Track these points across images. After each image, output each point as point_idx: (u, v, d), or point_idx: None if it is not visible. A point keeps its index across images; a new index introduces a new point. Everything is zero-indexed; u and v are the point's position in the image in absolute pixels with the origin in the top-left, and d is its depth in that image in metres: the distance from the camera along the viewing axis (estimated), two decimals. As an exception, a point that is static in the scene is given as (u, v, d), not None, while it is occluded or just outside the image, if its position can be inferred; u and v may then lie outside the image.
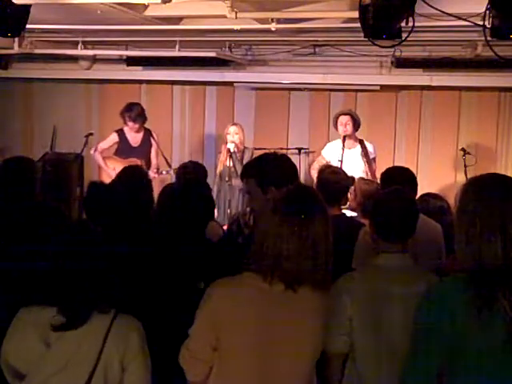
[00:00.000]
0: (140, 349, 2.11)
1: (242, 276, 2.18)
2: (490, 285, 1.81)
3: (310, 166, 6.86)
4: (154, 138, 6.44)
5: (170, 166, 6.33)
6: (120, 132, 6.40)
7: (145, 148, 6.38)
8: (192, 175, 4.39)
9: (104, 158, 6.39)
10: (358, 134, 6.27)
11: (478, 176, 2.03)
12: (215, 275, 2.33)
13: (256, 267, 2.14)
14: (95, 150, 6.41)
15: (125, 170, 4.11)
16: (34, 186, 3.64)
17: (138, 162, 6.02)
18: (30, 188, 3.58)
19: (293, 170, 3.05)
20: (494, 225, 1.84)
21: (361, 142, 6.12)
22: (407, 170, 3.95)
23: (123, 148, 6.36)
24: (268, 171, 2.95)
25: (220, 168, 6.35)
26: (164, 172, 6.30)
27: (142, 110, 6.34)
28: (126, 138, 6.38)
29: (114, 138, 6.42)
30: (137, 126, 6.27)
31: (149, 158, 6.36)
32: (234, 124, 6.50)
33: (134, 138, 6.39)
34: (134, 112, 6.21)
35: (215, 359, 2.20)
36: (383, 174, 3.95)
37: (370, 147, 6.17)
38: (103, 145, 6.47)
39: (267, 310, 2.14)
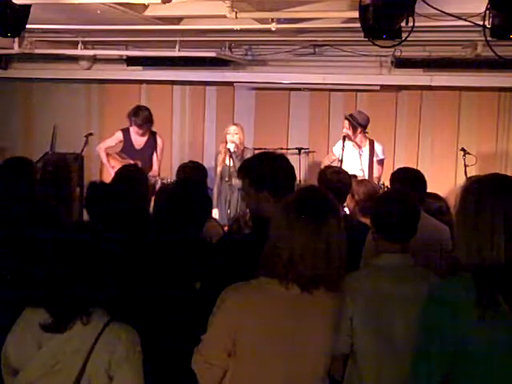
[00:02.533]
0: (126, 357, 2.05)
1: (257, 281, 2.16)
2: (490, 286, 1.81)
3: (317, 164, 6.86)
4: (158, 143, 6.34)
5: (159, 174, 6.17)
6: (125, 132, 6.33)
7: (147, 151, 6.29)
8: (192, 175, 4.39)
9: (108, 155, 6.33)
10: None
11: (478, 176, 2.03)
12: (212, 275, 2.32)
13: (270, 271, 2.12)
14: (100, 147, 6.39)
15: (123, 170, 4.11)
16: (33, 186, 3.64)
17: (132, 163, 5.89)
18: (29, 188, 3.57)
19: (285, 170, 2.93)
20: (495, 225, 1.83)
21: (370, 143, 6.14)
22: (412, 170, 3.95)
23: (126, 148, 6.32)
24: (260, 172, 2.92)
25: (219, 168, 6.34)
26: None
27: (150, 115, 6.23)
28: (130, 139, 6.31)
29: (118, 136, 6.36)
30: (141, 131, 6.20)
31: (150, 162, 6.26)
32: (235, 124, 6.48)
33: (138, 140, 6.32)
34: (141, 118, 6.12)
35: (230, 364, 2.18)
36: (391, 175, 3.98)
37: (378, 149, 6.17)
38: (108, 142, 6.43)
39: (284, 314, 2.13)
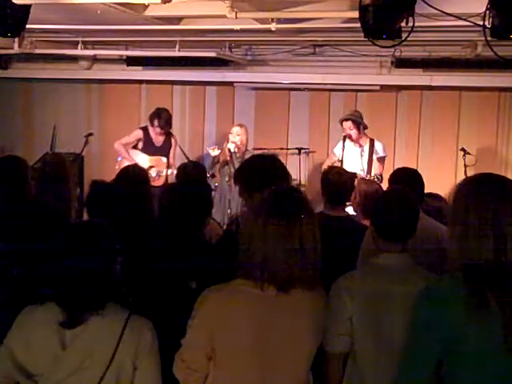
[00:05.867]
0: (151, 348, 2.12)
1: (234, 283, 2.16)
2: (480, 283, 1.82)
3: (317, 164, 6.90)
4: (175, 139, 6.72)
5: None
6: (144, 130, 6.64)
7: (166, 148, 6.64)
8: (192, 175, 4.40)
9: (127, 151, 6.61)
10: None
11: (471, 175, 2.05)
12: (208, 275, 2.32)
13: (245, 273, 2.12)
14: (119, 143, 6.61)
15: (125, 169, 4.12)
16: (24, 185, 3.61)
17: (164, 159, 6.49)
18: (21, 187, 3.55)
19: (264, 173, 2.90)
20: (486, 223, 1.85)
21: (371, 142, 6.16)
22: (409, 170, 3.95)
23: (146, 146, 6.60)
24: (241, 175, 2.94)
25: (220, 159, 6.34)
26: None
27: (170, 116, 6.63)
28: (149, 137, 6.62)
29: (138, 134, 6.65)
30: (164, 131, 6.54)
31: (168, 158, 6.62)
32: (239, 125, 6.52)
33: (157, 137, 6.63)
34: (163, 119, 6.47)
35: (210, 368, 2.18)
36: (389, 176, 3.98)
37: (379, 147, 6.21)
38: (127, 139, 6.67)
39: (261, 316, 2.12)
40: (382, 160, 6.24)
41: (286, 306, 2.13)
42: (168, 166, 6.50)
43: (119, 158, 6.54)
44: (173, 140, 6.70)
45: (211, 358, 2.16)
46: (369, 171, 6.03)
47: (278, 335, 2.12)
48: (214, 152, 6.34)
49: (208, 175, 5.45)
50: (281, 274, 2.08)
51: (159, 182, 6.37)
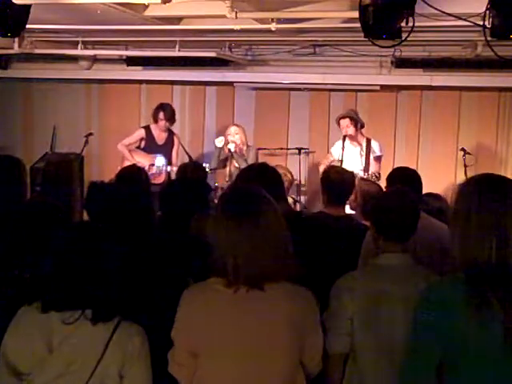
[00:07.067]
0: (139, 355, 2.09)
1: (208, 281, 2.16)
2: (481, 284, 1.82)
3: (317, 164, 6.90)
4: (177, 138, 6.79)
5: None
6: (147, 129, 6.70)
7: (168, 146, 6.70)
8: (192, 175, 4.41)
9: (130, 151, 6.65)
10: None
11: (473, 176, 2.04)
12: (208, 275, 2.33)
13: (217, 271, 2.12)
14: (122, 145, 6.66)
15: (124, 170, 4.13)
16: (20, 185, 3.60)
17: (163, 158, 6.52)
18: (17, 187, 3.54)
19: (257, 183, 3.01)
20: (488, 224, 1.84)
21: (367, 141, 6.18)
22: (408, 169, 3.95)
23: (149, 144, 6.66)
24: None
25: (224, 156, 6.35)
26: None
27: (174, 110, 6.68)
28: (152, 135, 6.68)
29: (140, 133, 6.71)
30: (167, 124, 6.59)
31: (170, 156, 6.69)
32: (234, 124, 6.55)
33: (160, 135, 6.69)
34: (168, 112, 6.55)
35: (197, 364, 2.18)
36: (387, 175, 3.98)
37: (376, 146, 6.22)
38: (129, 140, 6.72)
39: (235, 314, 2.12)
40: (378, 159, 6.26)
41: (260, 303, 2.11)
42: (169, 163, 6.56)
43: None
44: (175, 138, 6.75)
45: (196, 355, 2.16)
46: (366, 169, 6.05)
47: (253, 333, 2.11)
48: (220, 143, 6.29)
49: (208, 170, 5.46)
50: (252, 274, 2.07)
51: (160, 179, 6.41)
